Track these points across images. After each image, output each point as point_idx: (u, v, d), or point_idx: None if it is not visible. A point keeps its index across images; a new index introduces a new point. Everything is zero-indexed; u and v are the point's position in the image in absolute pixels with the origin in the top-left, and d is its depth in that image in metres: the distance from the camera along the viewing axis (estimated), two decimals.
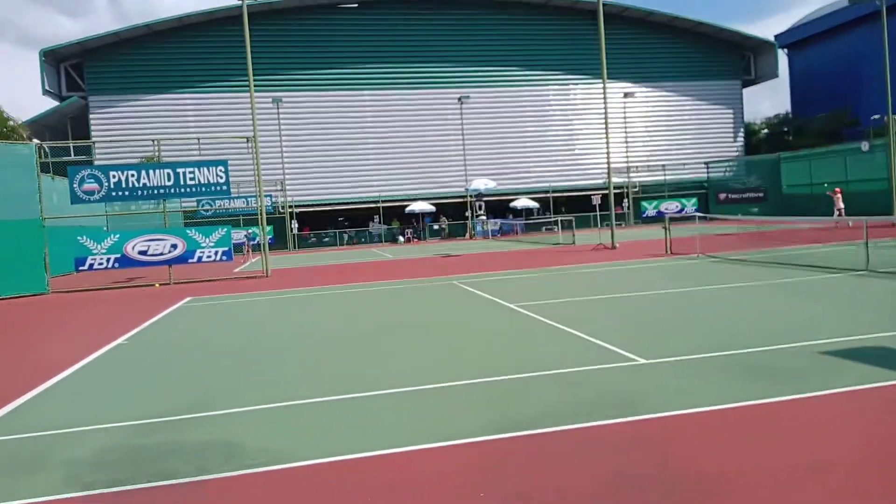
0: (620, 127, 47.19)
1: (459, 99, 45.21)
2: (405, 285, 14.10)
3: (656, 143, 49.24)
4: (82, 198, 17.21)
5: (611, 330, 7.45)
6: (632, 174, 45.63)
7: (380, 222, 44.09)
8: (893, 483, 3.17)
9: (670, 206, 43.33)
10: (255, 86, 20.35)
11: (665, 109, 49.74)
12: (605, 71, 23.19)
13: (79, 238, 17.22)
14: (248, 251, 30.35)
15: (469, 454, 3.81)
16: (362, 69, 45.06)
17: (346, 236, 43.08)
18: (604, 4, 42.09)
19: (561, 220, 30.16)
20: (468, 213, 42.94)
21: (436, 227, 44.67)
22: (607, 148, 23.35)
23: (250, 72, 20.09)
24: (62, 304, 14.18)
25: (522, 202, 44.26)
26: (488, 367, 5.91)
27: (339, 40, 44.65)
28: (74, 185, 17.08)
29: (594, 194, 25.00)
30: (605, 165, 24.10)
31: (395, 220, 44.86)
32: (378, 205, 44.10)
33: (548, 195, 46.48)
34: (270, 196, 38.87)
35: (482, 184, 38.14)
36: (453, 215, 45.65)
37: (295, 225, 41.56)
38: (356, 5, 45.04)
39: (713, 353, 5.97)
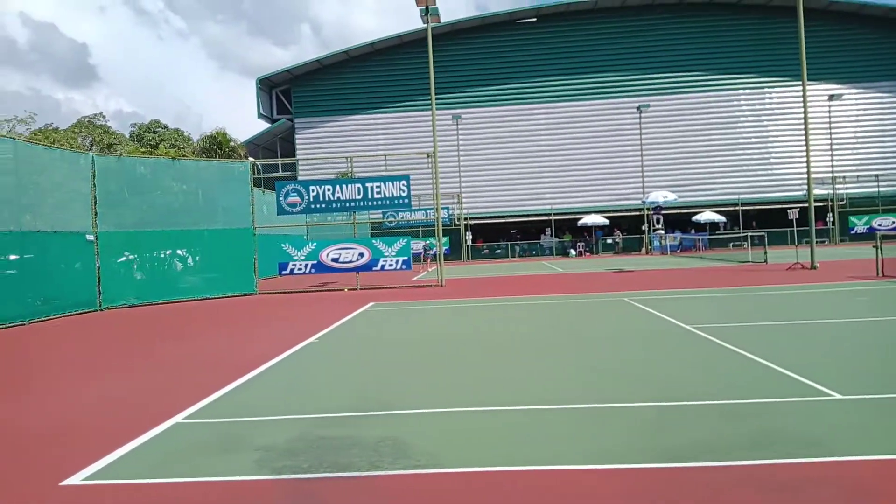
0: (824, 133, 42.29)
1: (638, 108, 43.62)
2: (574, 300, 13.92)
3: (868, 151, 43.35)
4: (287, 209, 19.38)
5: (803, 359, 6.73)
6: (838, 185, 40.58)
7: (551, 235, 43.86)
8: None
9: (884, 222, 37.76)
10: (436, 104, 21.45)
11: (878, 112, 43.63)
12: (804, 71, 20.96)
13: (282, 245, 19.41)
14: (426, 260, 31.89)
15: (628, 480, 3.70)
16: (539, 82, 45.38)
17: (517, 248, 43.47)
18: None
19: (751, 236, 27.72)
20: (645, 227, 41.13)
21: (609, 240, 43.35)
22: (807, 155, 21.05)
23: (433, 91, 21.23)
24: (266, 304, 16.06)
25: (707, 215, 41.35)
26: (655, 389, 5.67)
27: (516, 55, 45.44)
28: (280, 198, 19.30)
29: (791, 208, 22.59)
30: (805, 176, 21.71)
31: (567, 232, 44.32)
32: (550, 217, 43.94)
33: (736, 208, 42.98)
34: (447, 209, 40.55)
35: (661, 196, 36.28)
36: (629, 229, 44.03)
37: (469, 236, 42.85)
38: (535, 19, 45.52)
39: None
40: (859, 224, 39.06)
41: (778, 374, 6.13)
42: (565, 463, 4.00)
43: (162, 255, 17.56)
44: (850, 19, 43.41)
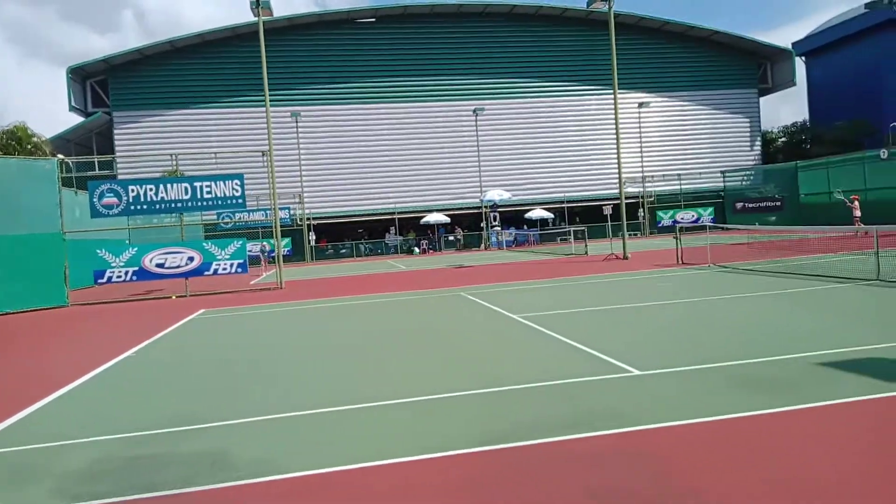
0: (635, 136, 47.09)
1: (474, 111, 45.48)
2: (413, 296, 14.20)
3: (672, 153, 49.06)
4: (102, 212, 17.61)
5: (609, 340, 7.47)
6: (647, 184, 45.42)
7: (396, 234, 44.34)
8: (881, 495, 3.17)
9: (686, 216, 42.98)
10: (273, 100, 20.75)
11: (681, 119, 49.57)
12: (616, 80, 23.22)
13: (98, 251, 17.61)
14: (264, 263, 30.69)
15: (459, 466, 3.86)
16: (379, 83, 45.58)
17: (362, 248, 43.37)
18: (619, 14, 42.40)
19: (574, 231, 30.09)
20: (483, 224, 43.04)
21: (451, 238, 44.81)
22: (618, 157, 23.33)
23: (266, 86, 20.47)
24: (79, 317, 14.50)
25: (537, 213, 44.24)
26: (483, 378, 5.97)
27: (356, 54, 45.24)
28: (94, 200, 17.50)
29: (606, 204, 24.90)
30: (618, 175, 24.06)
31: (411, 231, 45.09)
32: (394, 216, 44.39)
33: (562, 205, 46.43)
34: (289, 208, 39.32)
35: (497, 195, 38.24)
36: (469, 226, 45.81)
37: (312, 237, 41.96)
38: (374, 19, 45.64)
39: (710, 364, 5.96)
40: (665, 218, 43.98)
41: (588, 355, 6.73)
42: (400, 456, 4.07)
43: None
44: (656, 34, 48.72)
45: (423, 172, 46.05)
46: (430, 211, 43.85)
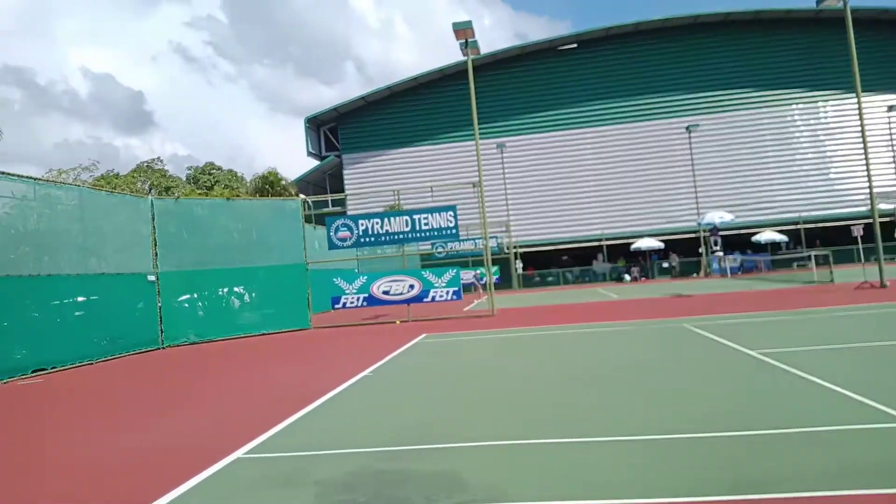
0: (885, 145, 40.55)
1: (688, 128, 42.89)
2: (631, 327, 13.56)
3: None
4: (337, 244, 19.71)
5: (876, 383, 6.33)
6: None
7: (604, 260, 43.14)
8: None
9: None
10: (480, 133, 21.63)
11: None
12: (858, 83, 20.22)
13: (334, 279, 19.69)
14: (478, 290, 31.76)
15: None
16: (583, 107, 45.28)
17: (569, 275, 42.88)
18: (857, 10, 37.20)
19: (815, 255, 26.58)
20: (701, 249, 40.01)
21: (665, 264, 42.30)
22: (867, 169, 20.17)
23: (475, 122, 21.41)
24: (320, 339, 16.25)
25: (767, 235, 39.96)
26: (724, 420, 5.41)
27: (559, 81, 45.56)
28: (331, 234, 19.66)
29: (854, 224, 21.63)
30: (867, 190, 20.80)
31: (621, 258, 43.52)
32: (601, 242, 43.30)
33: (798, 227, 41.42)
34: (496, 237, 40.48)
35: (717, 217, 35.32)
36: (684, 252, 42.93)
37: (519, 265, 42.58)
38: (575, 45, 45.64)
39: None
40: None
41: (853, 400, 5.76)
42: (637, 496, 3.82)
43: (220, 293, 18.06)
44: None
45: (633, 196, 44.37)
46: (641, 236, 42.00)
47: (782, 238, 40.45)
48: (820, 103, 43.14)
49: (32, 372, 12.39)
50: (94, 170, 32.46)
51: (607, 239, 43.38)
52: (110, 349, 14.48)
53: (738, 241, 41.96)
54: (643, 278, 41.11)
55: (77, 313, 13.75)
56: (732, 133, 43.71)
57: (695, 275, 39.92)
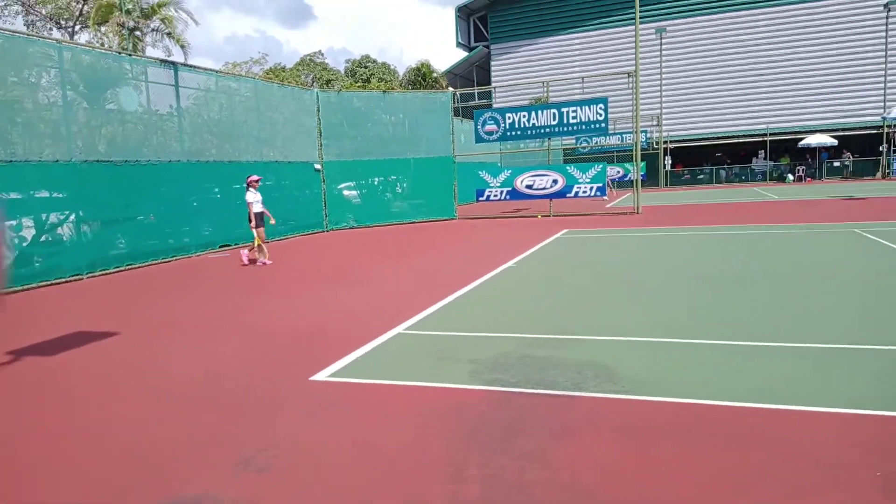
0: None
1: (886, 5, 36.53)
2: (791, 230, 12.67)
3: None
4: (484, 138, 19.86)
5: None
6: None
7: (765, 158, 39.51)
8: None
9: None
10: (639, 16, 20.04)
11: None
12: None
13: (479, 173, 20.06)
14: (610, 189, 30.66)
15: (863, 427, 3.48)
16: None
17: (723, 174, 39.96)
18: None
19: None
20: (882, 148, 35.21)
21: (836, 163, 37.87)
22: None
23: (637, 2, 19.81)
24: (466, 229, 16.91)
25: None
26: (890, 333, 5.14)
27: None
28: (478, 127, 19.80)
29: None
30: None
31: (786, 155, 39.57)
32: (765, 138, 39.47)
33: None
34: (646, 132, 38.29)
35: None
36: (861, 150, 38.04)
37: (668, 161, 40.28)
38: None
39: None
40: None
41: None
42: (793, 403, 3.81)
43: (375, 182, 19.23)
44: None
45: (806, 85, 39.35)
46: (812, 131, 37.62)
47: None
48: None
49: (220, 247, 14.27)
50: (263, 63, 34.61)
51: (771, 134, 39.37)
52: (283, 230, 16.17)
53: None
54: (809, 178, 37.29)
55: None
56: None
57: (871, 176, 35.47)
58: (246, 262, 11.53)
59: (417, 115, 20.08)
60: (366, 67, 39.21)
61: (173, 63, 13.65)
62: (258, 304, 7.98)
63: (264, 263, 11.41)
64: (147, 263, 12.27)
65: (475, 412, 3.94)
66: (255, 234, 11.45)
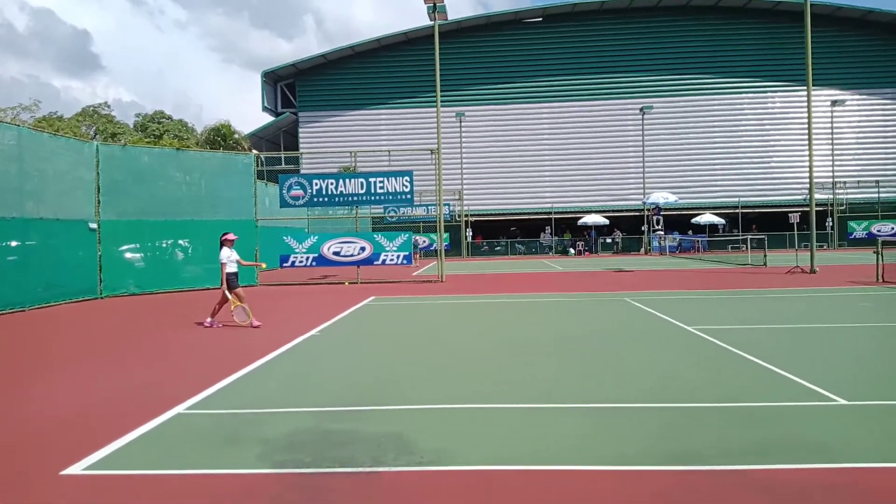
0: (826, 138, 42.38)
1: (641, 109, 43.63)
2: (574, 299, 13.93)
3: (869, 157, 43.60)
4: (289, 202, 19.35)
5: (806, 364, 6.73)
6: (838, 191, 40.70)
7: (551, 234, 43.91)
8: None
9: (884, 228, 37.93)
10: (440, 100, 21.41)
11: (881, 118, 43.83)
12: (810, 77, 20.85)
13: (284, 238, 19.39)
14: (416, 257, 31.72)
15: (637, 483, 3.68)
16: (543, 82, 45.38)
17: (517, 246, 43.48)
18: (815, 4, 38.18)
19: (751, 239, 27.75)
20: (644, 228, 41.19)
21: (608, 240, 43.42)
22: (810, 160, 21.01)
23: (438, 89, 21.16)
24: (268, 296, 16.04)
25: (706, 217, 41.45)
26: (659, 392, 5.67)
27: (521, 54, 45.44)
28: (284, 191, 19.27)
29: (792, 211, 22.60)
30: (806, 180, 21.77)
31: (567, 231, 44.38)
32: (550, 216, 43.97)
33: (736, 211, 43.11)
34: (448, 205, 40.52)
35: (661, 197, 36.34)
36: (628, 229, 44.12)
37: (469, 233, 42.86)
38: (540, 19, 45.45)
39: None
40: (858, 229, 39.15)
41: (783, 378, 6.13)
42: (574, 463, 3.99)
43: (164, 245, 17.54)
44: (855, 25, 43.42)
45: (583, 172, 45.13)
46: (588, 212, 42.86)
47: (720, 221, 42.02)
48: (769, 93, 44.51)
49: None
50: (34, 110, 30.67)
51: (556, 212, 44.08)
52: (45, 296, 13.94)
53: (678, 222, 43.34)
54: (587, 252, 42.07)
55: (10, 258, 13.13)
56: (682, 117, 44.75)
57: (636, 252, 41.10)
58: (257, 324, 10.28)
59: (217, 177, 18.99)
60: (159, 123, 36.73)
61: None
62: (3, 387, 6.60)
63: (252, 325, 10.27)
64: None
65: (265, 498, 3.49)
66: (231, 298, 10.24)
